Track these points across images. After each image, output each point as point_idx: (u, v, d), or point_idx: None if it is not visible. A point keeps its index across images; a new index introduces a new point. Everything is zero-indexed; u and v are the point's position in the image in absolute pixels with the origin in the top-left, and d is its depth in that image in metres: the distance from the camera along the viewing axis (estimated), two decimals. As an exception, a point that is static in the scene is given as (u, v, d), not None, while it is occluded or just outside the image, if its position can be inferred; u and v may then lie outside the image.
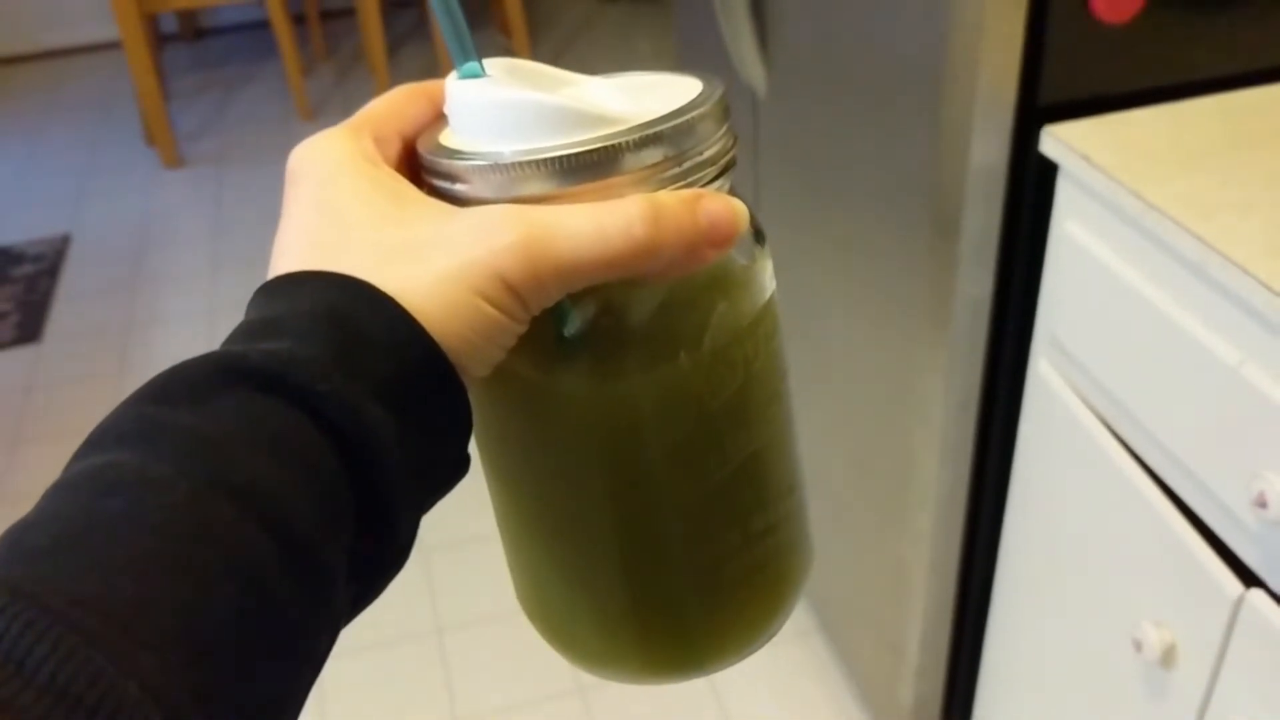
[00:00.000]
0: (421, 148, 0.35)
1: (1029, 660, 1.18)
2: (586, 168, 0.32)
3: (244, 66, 3.68)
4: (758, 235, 0.37)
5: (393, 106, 0.36)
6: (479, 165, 0.32)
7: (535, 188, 0.32)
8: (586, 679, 1.60)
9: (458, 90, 0.34)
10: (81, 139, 3.31)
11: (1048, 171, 0.95)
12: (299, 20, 3.63)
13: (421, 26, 3.82)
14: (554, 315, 0.33)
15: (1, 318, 2.53)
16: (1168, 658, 0.89)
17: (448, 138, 0.35)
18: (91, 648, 0.23)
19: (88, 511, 0.25)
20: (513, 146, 0.32)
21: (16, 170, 3.17)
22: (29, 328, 2.50)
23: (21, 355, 2.41)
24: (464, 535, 1.76)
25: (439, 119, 0.37)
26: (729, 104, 0.35)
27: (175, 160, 3.11)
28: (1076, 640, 1.06)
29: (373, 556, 0.30)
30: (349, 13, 3.79)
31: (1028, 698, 1.20)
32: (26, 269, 2.70)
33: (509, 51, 3.33)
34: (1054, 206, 0.96)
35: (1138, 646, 0.91)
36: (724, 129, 0.34)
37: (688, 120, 0.33)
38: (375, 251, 0.31)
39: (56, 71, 3.76)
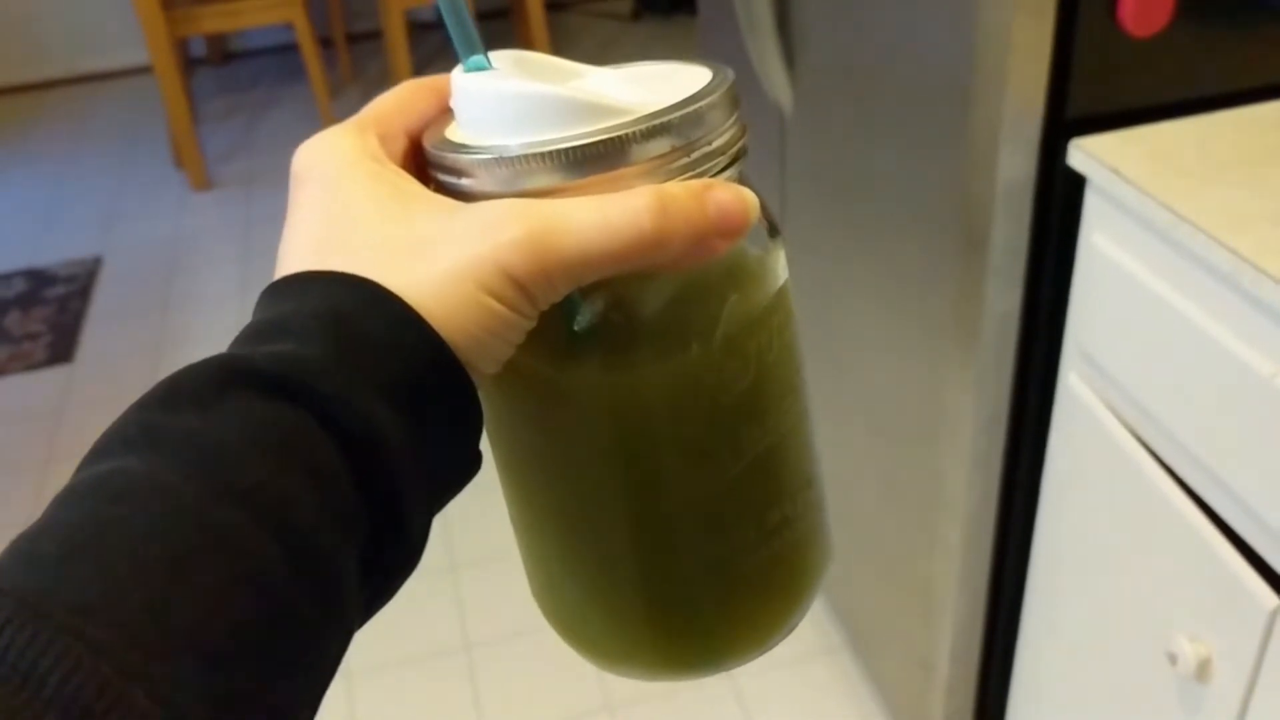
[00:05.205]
0: (427, 142, 0.34)
1: (1061, 675, 1.17)
2: (593, 159, 0.31)
3: (272, 89, 3.72)
4: (770, 225, 0.36)
5: (398, 103, 0.36)
6: (484, 159, 0.32)
7: (541, 181, 0.31)
8: (616, 695, 1.60)
9: (463, 83, 0.34)
10: (112, 162, 3.35)
11: (1076, 185, 0.95)
12: (326, 43, 3.67)
13: (448, 48, 3.83)
14: (564, 309, 0.32)
15: (34, 339, 2.56)
16: (1203, 671, 0.88)
17: (454, 132, 0.34)
18: (98, 658, 0.23)
19: (94, 519, 0.25)
20: (519, 139, 0.32)
21: (49, 193, 3.21)
22: (61, 348, 2.52)
23: (54, 375, 2.44)
24: (493, 551, 1.76)
25: (445, 114, 0.36)
26: (738, 92, 0.34)
27: (204, 182, 3.14)
28: (1110, 654, 1.05)
29: (384, 558, 0.30)
30: (375, 35, 3.82)
31: (1060, 713, 1.19)
32: (59, 290, 2.73)
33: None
34: (1082, 220, 0.96)
35: (1172, 660, 0.90)
36: (733, 118, 0.33)
37: (696, 109, 0.32)
38: (380, 250, 0.31)
39: (87, 96, 3.81)
